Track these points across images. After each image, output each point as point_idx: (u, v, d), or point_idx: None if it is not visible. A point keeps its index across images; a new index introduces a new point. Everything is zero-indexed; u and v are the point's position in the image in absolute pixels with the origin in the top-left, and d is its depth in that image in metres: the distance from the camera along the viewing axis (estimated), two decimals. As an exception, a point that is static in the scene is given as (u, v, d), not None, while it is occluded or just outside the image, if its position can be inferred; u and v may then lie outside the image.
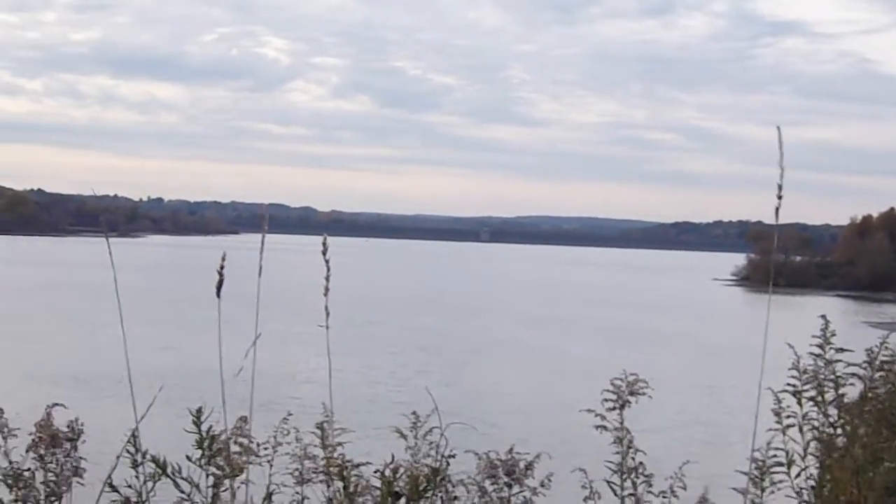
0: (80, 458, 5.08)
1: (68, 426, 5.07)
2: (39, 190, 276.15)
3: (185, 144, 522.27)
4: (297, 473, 5.33)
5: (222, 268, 4.44)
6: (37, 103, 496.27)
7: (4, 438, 5.17)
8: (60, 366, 44.95)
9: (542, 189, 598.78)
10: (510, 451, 5.80)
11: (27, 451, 5.05)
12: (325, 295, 4.45)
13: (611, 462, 5.64)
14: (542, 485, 5.77)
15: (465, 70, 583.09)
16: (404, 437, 5.44)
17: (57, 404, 5.19)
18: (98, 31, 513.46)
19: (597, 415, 5.55)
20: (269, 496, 4.98)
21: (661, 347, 60.80)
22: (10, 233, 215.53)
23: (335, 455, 5.21)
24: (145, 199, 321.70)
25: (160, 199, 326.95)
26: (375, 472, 5.11)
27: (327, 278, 4.45)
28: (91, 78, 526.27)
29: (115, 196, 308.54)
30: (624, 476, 5.59)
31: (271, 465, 5.21)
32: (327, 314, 4.54)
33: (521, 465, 5.78)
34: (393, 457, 5.22)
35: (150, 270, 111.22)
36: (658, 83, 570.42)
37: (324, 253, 4.50)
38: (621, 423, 5.54)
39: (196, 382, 33.66)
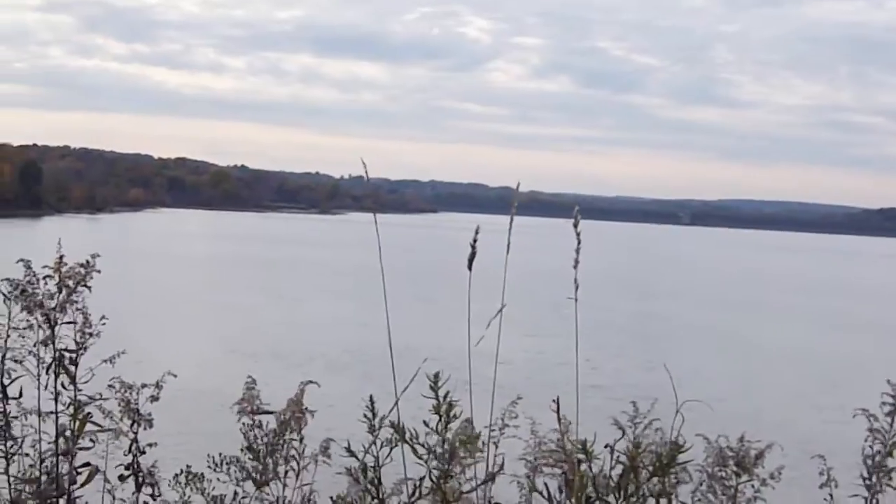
0: (330, 439, 5.01)
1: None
2: (242, 166, 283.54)
3: (386, 123, 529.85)
4: (532, 460, 5.16)
5: (475, 241, 4.37)
6: (241, 81, 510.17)
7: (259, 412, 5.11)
8: (263, 340, 45.96)
9: (744, 172, 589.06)
10: (741, 438, 5.54)
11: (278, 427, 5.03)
12: (575, 268, 4.32)
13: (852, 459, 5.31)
14: (772, 476, 5.54)
15: (668, 50, 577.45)
16: (622, 428, 5.20)
17: (310, 381, 5.15)
18: (302, 9, 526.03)
19: (870, 416, 5.19)
20: (492, 476, 4.82)
21: (867, 334, 58.94)
22: (214, 207, 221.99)
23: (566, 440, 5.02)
24: (346, 176, 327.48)
25: (361, 177, 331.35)
26: (606, 446, 4.91)
27: (577, 250, 4.32)
28: (294, 56, 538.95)
29: (317, 173, 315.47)
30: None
31: (497, 447, 5.05)
32: (576, 287, 4.39)
33: (752, 454, 5.54)
34: (623, 432, 5.01)
35: (351, 247, 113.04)
36: (866, 65, 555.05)
37: (575, 226, 4.36)
38: (890, 426, 5.18)
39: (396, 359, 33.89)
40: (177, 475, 5.08)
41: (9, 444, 5.28)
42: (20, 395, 5.32)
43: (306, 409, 5.06)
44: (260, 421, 5.05)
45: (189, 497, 5.08)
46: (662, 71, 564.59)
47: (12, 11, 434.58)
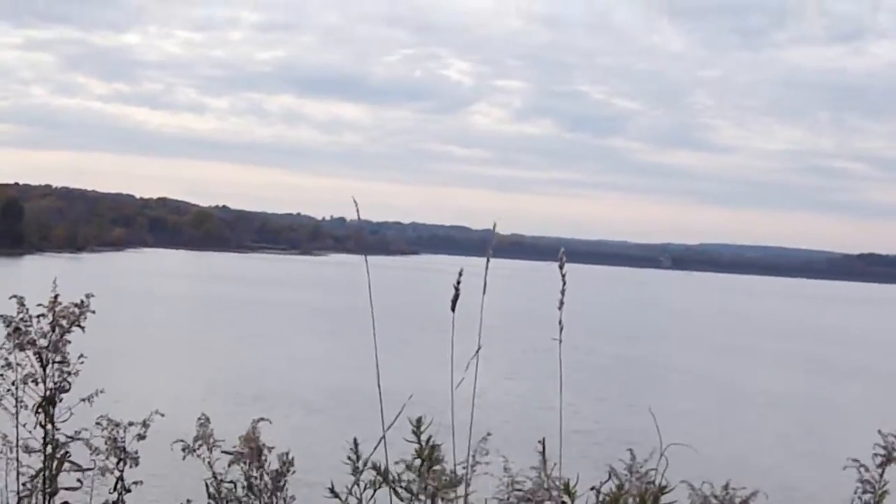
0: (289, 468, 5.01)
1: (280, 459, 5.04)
2: (224, 206, 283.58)
3: (368, 165, 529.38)
4: (506, 498, 5.13)
5: (458, 283, 4.39)
6: (222, 121, 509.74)
7: (210, 450, 5.14)
8: (242, 380, 45.83)
9: (725, 216, 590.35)
10: (726, 486, 5.51)
11: (229, 465, 5.04)
12: (560, 309, 4.32)
13: None
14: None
15: (648, 95, 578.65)
16: (616, 475, 5.17)
17: (262, 419, 5.16)
18: (283, 51, 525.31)
19: (860, 466, 5.17)
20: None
21: (852, 381, 59.02)
22: (196, 248, 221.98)
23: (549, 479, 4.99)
24: (328, 217, 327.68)
25: (342, 219, 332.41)
26: (591, 488, 4.87)
27: (562, 291, 4.31)
28: (276, 97, 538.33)
29: (298, 214, 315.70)
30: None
31: (468, 485, 5.02)
32: (561, 328, 4.38)
33: (737, 501, 5.51)
34: (610, 474, 4.98)
35: (334, 288, 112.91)
36: (846, 111, 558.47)
37: (560, 267, 4.36)
38: (880, 476, 5.16)
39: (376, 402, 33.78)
40: None
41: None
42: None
43: (263, 445, 5.07)
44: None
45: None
46: (642, 115, 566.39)
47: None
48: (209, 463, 5.09)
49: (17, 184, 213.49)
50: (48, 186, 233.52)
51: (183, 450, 5.09)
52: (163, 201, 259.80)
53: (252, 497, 5.04)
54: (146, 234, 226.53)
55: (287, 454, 5.09)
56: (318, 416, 34.16)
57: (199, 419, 5.18)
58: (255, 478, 5.08)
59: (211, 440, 5.12)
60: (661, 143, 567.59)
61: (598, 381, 52.82)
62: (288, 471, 5.06)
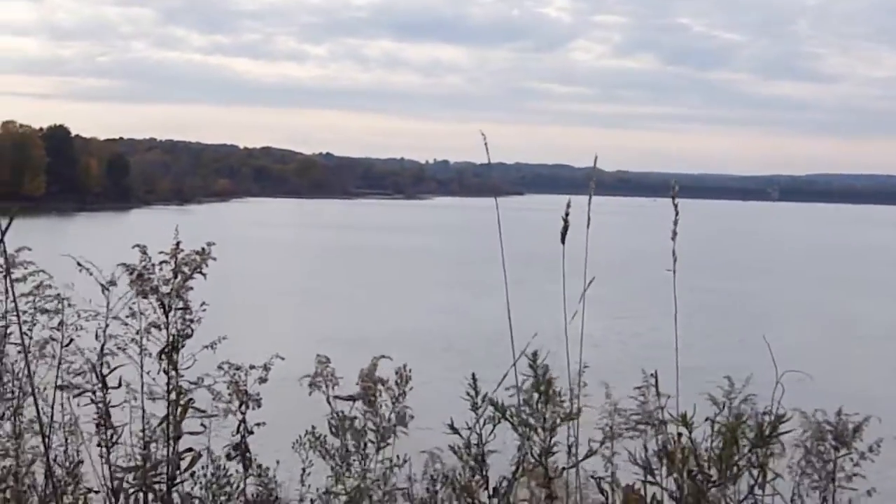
0: (406, 406, 5.09)
1: (397, 372, 5.11)
2: (327, 154, 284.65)
3: (470, 106, 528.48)
4: (606, 429, 5.20)
5: (567, 215, 4.43)
6: (323, 68, 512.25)
7: (330, 387, 5.23)
8: (355, 325, 46.13)
9: (833, 146, 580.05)
10: (839, 412, 5.51)
11: (354, 400, 5.13)
12: (673, 239, 4.33)
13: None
14: (871, 450, 5.52)
15: (751, 26, 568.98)
16: (717, 403, 5.19)
17: (383, 356, 5.24)
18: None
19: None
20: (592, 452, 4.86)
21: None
22: (300, 196, 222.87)
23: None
24: (431, 161, 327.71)
25: (446, 162, 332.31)
26: (707, 419, 4.91)
27: (675, 222, 4.33)
28: (374, 42, 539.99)
29: (402, 159, 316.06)
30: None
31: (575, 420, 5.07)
32: (675, 259, 4.39)
33: (850, 427, 5.52)
34: (724, 405, 5.01)
35: (439, 232, 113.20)
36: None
37: (673, 198, 4.38)
38: None
39: (488, 344, 33.89)
40: (300, 437, 5.19)
41: (109, 432, 5.36)
42: (119, 384, 5.40)
43: (379, 380, 5.14)
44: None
45: (310, 459, 5.19)
46: (746, 46, 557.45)
47: (93, 5, 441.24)
48: (329, 400, 5.18)
49: (121, 138, 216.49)
50: (153, 140, 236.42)
51: (309, 385, 5.17)
52: (267, 150, 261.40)
53: (372, 432, 5.13)
54: (251, 184, 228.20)
55: (404, 379, 5.16)
56: (431, 358, 34.35)
57: (319, 358, 5.27)
58: (373, 412, 5.16)
59: (330, 378, 5.21)
60: (766, 73, 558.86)
61: (707, 316, 52.30)
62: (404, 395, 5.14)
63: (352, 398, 5.17)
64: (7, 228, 5.18)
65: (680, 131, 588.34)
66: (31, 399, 5.50)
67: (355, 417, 5.11)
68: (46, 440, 5.45)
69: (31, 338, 5.58)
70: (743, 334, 45.29)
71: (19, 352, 5.58)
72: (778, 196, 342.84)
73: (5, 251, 5.39)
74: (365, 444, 5.06)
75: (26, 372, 5.47)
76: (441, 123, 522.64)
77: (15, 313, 5.48)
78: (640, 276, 61.84)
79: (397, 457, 5.12)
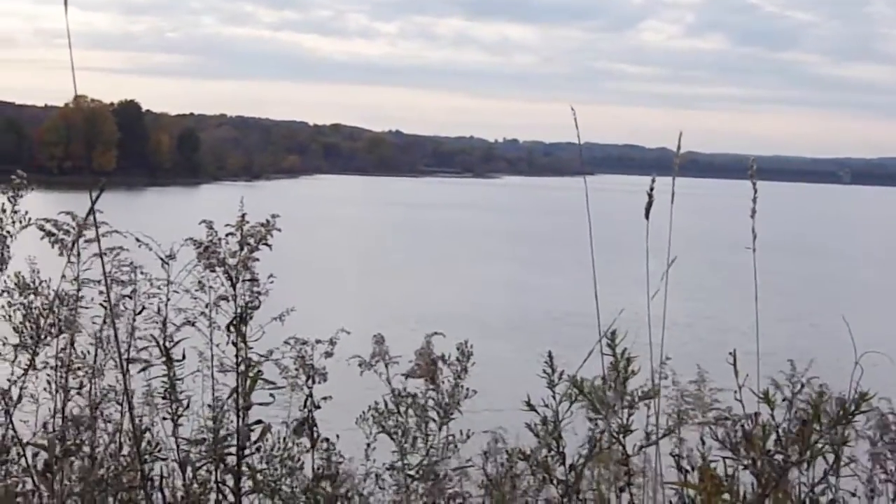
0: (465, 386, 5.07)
1: (458, 348, 5.10)
2: (397, 131, 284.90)
3: (539, 85, 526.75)
4: (674, 415, 5.11)
5: (651, 189, 4.38)
6: (393, 46, 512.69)
7: (386, 366, 5.25)
8: (423, 303, 46.22)
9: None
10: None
11: (406, 378, 5.15)
12: (752, 217, 4.24)
13: None
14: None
15: (824, 5, 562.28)
16: (778, 387, 5.06)
17: (436, 333, 5.22)
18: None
19: None
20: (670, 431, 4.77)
21: None
22: (369, 173, 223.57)
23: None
24: (500, 140, 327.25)
25: (515, 140, 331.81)
26: (784, 399, 4.81)
27: (754, 199, 4.24)
28: (444, 20, 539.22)
29: (471, 137, 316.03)
30: None
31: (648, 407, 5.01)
32: (754, 236, 4.29)
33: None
34: (803, 385, 4.90)
35: (508, 211, 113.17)
36: None
37: (751, 177, 4.31)
38: None
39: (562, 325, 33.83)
40: (364, 412, 5.20)
41: (175, 405, 5.37)
42: (183, 357, 5.41)
43: (437, 357, 5.18)
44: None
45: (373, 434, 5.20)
46: (818, 27, 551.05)
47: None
48: (387, 379, 5.20)
49: (192, 114, 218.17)
50: (223, 116, 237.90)
51: (360, 365, 5.21)
52: (336, 127, 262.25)
53: (434, 409, 5.11)
54: (320, 161, 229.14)
55: (466, 355, 5.12)
56: (500, 338, 34.35)
57: (375, 337, 5.29)
58: (434, 388, 5.17)
59: (387, 357, 5.22)
60: (839, 55, 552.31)
61: (781, 299, 51.80)
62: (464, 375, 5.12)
63: (412, 375, 5.19)
64: (98, 198, 5.26)
65: (750, 112, 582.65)
66: (110, 365, 5.58)
67: (414, 395, 5.11)
68: (131, 410, 5.48)
69: (113, 306, 5.59)
70: (817, 318, 44.90)
71: (97, 318, 5.64)
72: (849, 179, 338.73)
73: (95, 220, 5.43)
74: (426, 422, 5.06)
75: (111, 337, 5.55)
76: (510, 102, 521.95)
77: (102, 280, 5.52)
78: (708, 258, 61.50)
79: (460, 432, 5.13)
